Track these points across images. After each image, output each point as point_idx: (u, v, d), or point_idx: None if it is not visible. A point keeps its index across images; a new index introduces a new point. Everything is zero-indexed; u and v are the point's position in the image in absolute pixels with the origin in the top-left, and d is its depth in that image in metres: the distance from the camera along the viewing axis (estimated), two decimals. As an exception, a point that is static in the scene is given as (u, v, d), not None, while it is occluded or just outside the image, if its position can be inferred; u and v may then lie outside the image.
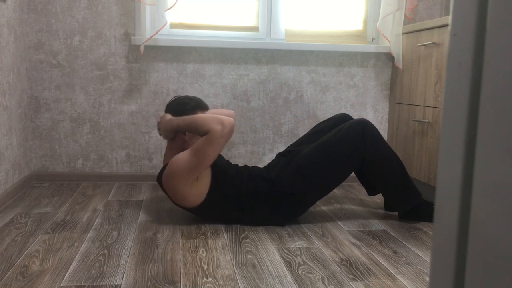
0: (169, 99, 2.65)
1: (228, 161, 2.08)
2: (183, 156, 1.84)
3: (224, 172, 1.94)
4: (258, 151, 2.77)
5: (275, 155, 2.77)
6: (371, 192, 2.24)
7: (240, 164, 2.75)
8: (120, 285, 1.40)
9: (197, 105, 2.02)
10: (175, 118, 1.95)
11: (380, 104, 2.82)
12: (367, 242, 1.82)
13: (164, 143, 2.69)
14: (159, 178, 1.96)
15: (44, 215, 2.04)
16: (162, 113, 2.03)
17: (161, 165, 2.69)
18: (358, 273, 1.53)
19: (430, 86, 2.34)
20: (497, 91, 0.43)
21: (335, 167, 1.95)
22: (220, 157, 2.04)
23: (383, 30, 2.64)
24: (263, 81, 2.72)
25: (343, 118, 2.22)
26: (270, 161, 2.76)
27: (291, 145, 2.24)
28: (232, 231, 1.91)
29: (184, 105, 2.00)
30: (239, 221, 1.97)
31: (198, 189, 1.87)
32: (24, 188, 2.45)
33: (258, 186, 1.95)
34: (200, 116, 1.89)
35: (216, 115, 1.87)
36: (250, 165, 2.76)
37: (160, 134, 2.02)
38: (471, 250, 0.46)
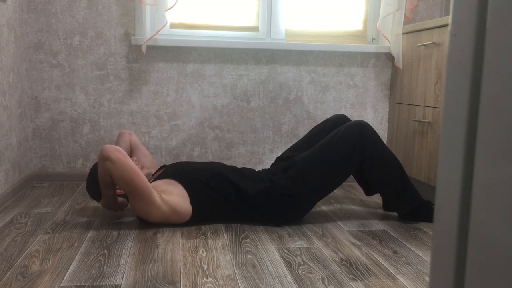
0: (169, 99, 2.65)
1: (189, 163, 2.08)
2: (131, 201, 1.83)
3: (190, 176, 1.94)
4: (258, 151, 2.77)
5: (275, 155, 2.77)
6: (369, 192, 2.24)
7: (240, 165, 2.75)
8: (120, 285, 1.40)
9: (92, 171, 2.00)
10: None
11: (380, 104, 2.82)
12: (367, 242, 1.82)
13: (164, 143, 2.69)
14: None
15: (44, 215, 2.04)
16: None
17: (160, 164, 2.69)
18: (358, 273, 1.53)
19: (430, 86, 2.34)
20: (497, 91, 0.43)
21: (334, 169, 1.95)
22: (177, 165, 2.05)
23: (383, 30, 2.64)
24: (263, 81, 2.72)
25: (340, 119, 2.21)
26: (269, 162, 2.77)
27: (289, 149, 2.23)
28: (232, 231, 1.91)
29: (91, 183, 1.99)
30: (239, 219, 1.97)
31: (177, 199, 1.87)
32: (24, 188, 2.45)
33: (256, 186, 1.95)
34: (97, 175, 1.88)
35: (98, 160, 1.83)
36: (251, 166, 2.76)
37: (116, 211, 1.99)
38: (471, 250, 0.46)
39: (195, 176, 1.94)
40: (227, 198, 1.93)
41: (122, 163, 1.76)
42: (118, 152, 1.78)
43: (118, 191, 1.94)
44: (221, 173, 1.96)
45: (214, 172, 1.97)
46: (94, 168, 2.00)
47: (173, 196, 1.87)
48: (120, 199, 1.96)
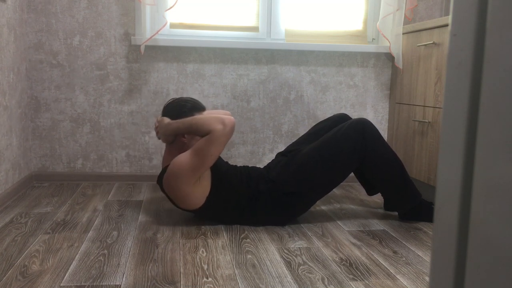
0: (169, 99, 2.65)
1: (227, 162, 2.08)
2: (185, 157, 1.83)
3: (224, 173, 1.93)
4: (258, 151, 2.77)
5: (275, 155, 2.77)
6: (371, 191, 2.24)
7: (240, 164, 2.75)
8: (120, 285, 1.40)
9: (194, 107, 2.00)
10: (173, 121, 1.92)
11: (380, 104, 2.82)
12: (367, 242, 1.82)
13: (163, 144, 2.69)
14: (160, 180, 1.96)
15: (44, 215, 2.04)
16: (159, 116, 2.02)
17: (160, 165, 2.69)
18: (358, 273, 1.53)
19: (430, 86, 2.34)
20: (497, 91, 0.43)
21: (335, 166, 1.95)
22: (219, 158, 2.04)
23: (383, 30, 2.64)
24: (263, 81, 2.72)
25: (342, 118, 2.22)
26: (270, 161, 2.77)
27: (290, 144, 2.24)
28: (232, 231, 1.91)
29: (181, 108, 1.98)
30: (240, 221, 1.97)
31: (200, 190, 1.87)
32: (24, 188, 2.45)
33: (259, 186, 1.95)
34: (200, 117, 1.87)
35: (216, 115, 1.86)
36: (250, 165, 2.76)
37: (159, 138, 2.00)
38: (471, 250, 0.46)
39: (230, 174, 1.94)
40: (241, 203, 1.92)
41: (224, 140, 1.81)
42: (230, 133, 1.83)
43: (183, 138, 1.95)
44: (244, 175, 1.97)
45: (242, 173, 1.97)
46: (193, 104, 2.00)
47: (202, 184, 1.87)
48: (171, 138, 1.97)
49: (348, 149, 1.94)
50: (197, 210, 1.90)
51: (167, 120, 1.96)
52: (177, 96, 2.66)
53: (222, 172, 1.93)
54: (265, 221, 1.97)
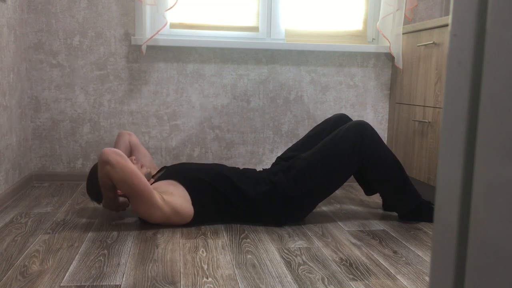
0: (169, 99, 2.65)
1: (190, 163, 2.08)
2: (133, 203, 1.82)
3: (184, 171, 1.95)
4: (258, 151, 2.76)
5: (275, 155, 2.77)
6: (369, 192, 2.24)
7: (240, 165, 2.75)
8: (120, 285, 1.40)
9: (90, 178, 1.99)
10: (104, 197, 1.92)
11: (380, 104, 2.82)
12: (367, 242, 1.82)
13: (164, 143, 2.69)
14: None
15: (44, 215, 2.04)
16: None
17: (161, 165, 2.69)
18: (358, 273, 1.53)
19: (430, 86, 2.34)
20: (497, 91, 0.43)
21: (335, 168, 1.95)
22: (178, 165, 2.05)
23: (383, 30, 2.64)
24: (263, 81, 2.72)
25: (342, 119, 2.22)
26: (270, 162, 2.77)
27: (291, 148, 2.23)
28: (232, 231, 1.91)
29: (91, 186, 1.99)
30: (240, 220, 1.97)
31: (178, 200, 1.87)
32: (24, 188, 2.45)
33: (257, 187, 1.95)
34: (98, 178, 1.84)
35: (98, 165, 1.81)
36: (251, 166, 2.76)
37: (118, 211, 1.99)
38: (471, 250, 0.46)
39: (197, 175, 1.94)
40: (229, 199, 1.92)
41: (122, 166, 1.75)
42: (117, 155, 1.76)
43: (119, 191, 1.94)
44: (223, 173, 1.96)
45: (216, 171, 1.97)
46: (94, 170, 2.00)
47: (175, 197, 1.87)
48: (121, 199, 1.96)
49: (347, 152, 1.95)
50: (196, 217, 1.90)
51: (102, 201, 1.95)
52: (177, 96, 2.66)
53: (182, 171, 1.96)
54: (265, 222, 1.97)
